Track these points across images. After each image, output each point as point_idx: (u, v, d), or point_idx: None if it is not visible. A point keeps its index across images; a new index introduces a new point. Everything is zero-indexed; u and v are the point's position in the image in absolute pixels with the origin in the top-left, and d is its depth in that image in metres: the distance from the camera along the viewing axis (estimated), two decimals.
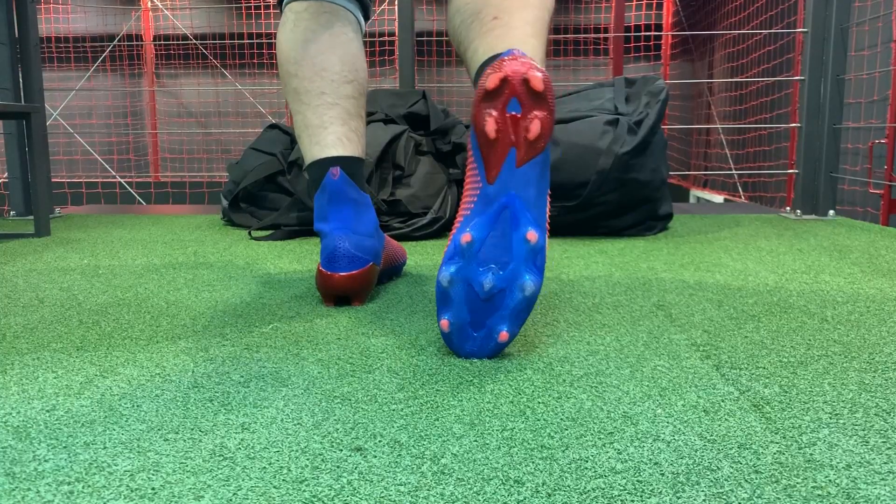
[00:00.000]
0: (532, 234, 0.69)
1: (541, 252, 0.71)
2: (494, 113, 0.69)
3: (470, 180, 0.73)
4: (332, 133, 0.96)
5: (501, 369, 0.68)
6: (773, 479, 0.47)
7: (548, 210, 0.74)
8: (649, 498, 0.44)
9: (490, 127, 0.69)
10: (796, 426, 0.55)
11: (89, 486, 0.46)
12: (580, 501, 0.44)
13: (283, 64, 0.99)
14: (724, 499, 0.44)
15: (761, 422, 0.56)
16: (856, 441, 0.52)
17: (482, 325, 0.71)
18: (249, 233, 1.56)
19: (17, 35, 1.91)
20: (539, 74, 0.68)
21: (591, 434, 0.53)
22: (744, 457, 0.50)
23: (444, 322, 0.71)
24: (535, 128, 0.69)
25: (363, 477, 0.47)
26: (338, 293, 0.92)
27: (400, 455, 0.50)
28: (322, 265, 0.92)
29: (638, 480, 0.47)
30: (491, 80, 0.69)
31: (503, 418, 0.56)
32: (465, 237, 0.70)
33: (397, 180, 1.58)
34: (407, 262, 1.24)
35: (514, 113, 0.69)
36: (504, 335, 0.70)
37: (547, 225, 0.73)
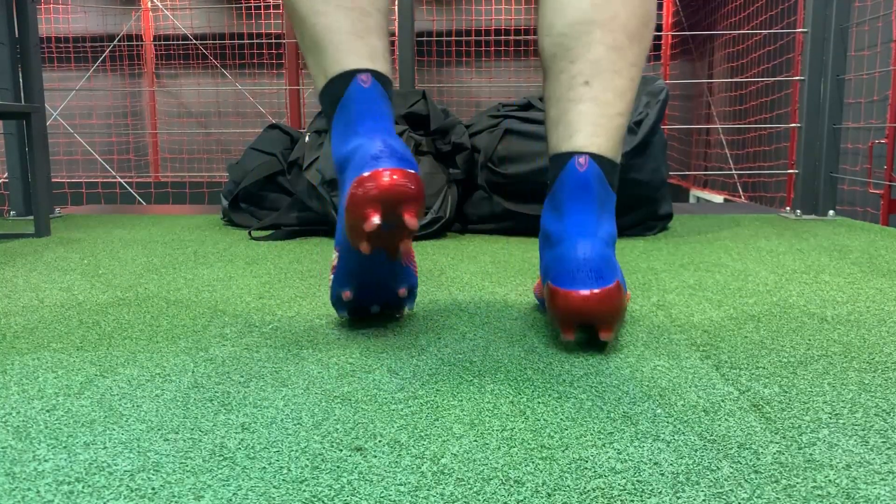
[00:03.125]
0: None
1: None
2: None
3: None
4: (369, 45, 0.74)
5: (501, 369, 0.68)
6: (773, 479, 0.47)
7: None
8: (649, 498, 0.44)
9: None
10: (796, 426, 0.55)
11: (89, 486, 0.46)
12: (580, 501, 0.44)
13: None
14: (724, 499, 0.44)
15: (761, 422, 0.56)
16: (856, 441, 0.52)
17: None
18: (249, 233, 1.56)
19: (17, 35, 1.91)
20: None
21: (591, 434, 0.53)
22: (744, 457, 0.50)
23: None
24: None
25: (363, 477, 0.47)
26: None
27: (400, 455, 0.50)
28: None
29: (638, 480, 0.47)
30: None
31: (503, 418, 0.56)
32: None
33: None
34: None
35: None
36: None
37: None
